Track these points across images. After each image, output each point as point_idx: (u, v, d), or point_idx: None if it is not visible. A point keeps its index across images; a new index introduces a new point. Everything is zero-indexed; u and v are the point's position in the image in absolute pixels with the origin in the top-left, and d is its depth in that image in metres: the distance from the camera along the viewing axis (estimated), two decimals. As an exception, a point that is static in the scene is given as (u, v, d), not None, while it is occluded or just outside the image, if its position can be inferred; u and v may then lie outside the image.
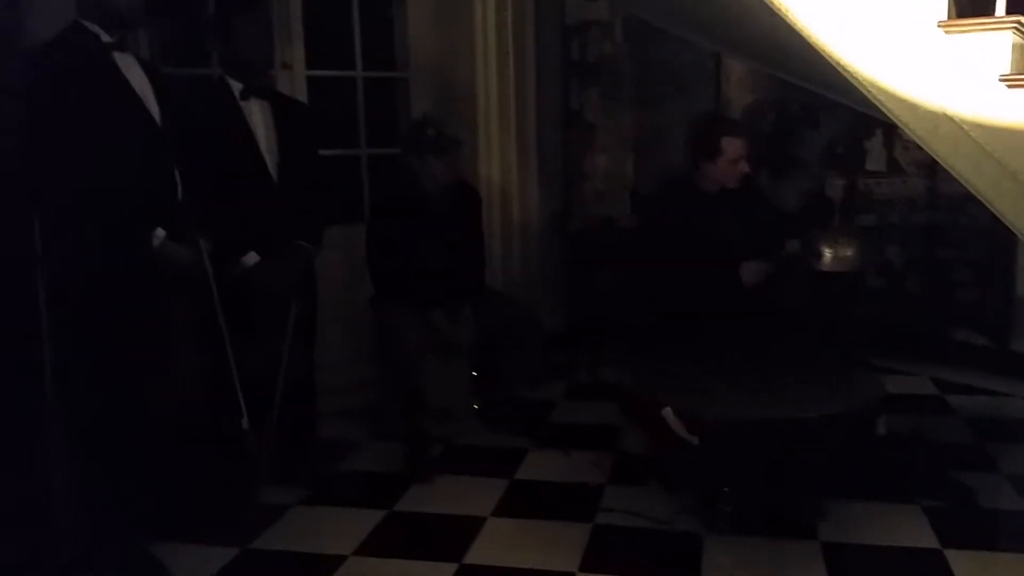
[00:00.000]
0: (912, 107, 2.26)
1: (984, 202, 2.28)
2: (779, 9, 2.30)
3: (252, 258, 2.95)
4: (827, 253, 3.25)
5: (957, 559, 2.62)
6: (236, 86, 2.98)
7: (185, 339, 2.56)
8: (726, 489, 2.80)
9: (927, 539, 2.74)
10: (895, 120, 2.31)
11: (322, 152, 3.36)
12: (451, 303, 3.55)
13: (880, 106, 2.30)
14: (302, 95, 3.98)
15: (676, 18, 3.23)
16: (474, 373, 3.80)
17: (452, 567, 2.66)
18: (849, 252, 3.29)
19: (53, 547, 2.47)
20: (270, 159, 3.02)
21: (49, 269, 2.38)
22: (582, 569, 2.63)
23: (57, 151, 2.37)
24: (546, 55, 4.50)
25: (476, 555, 2.73)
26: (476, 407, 3.84)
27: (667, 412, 2.72)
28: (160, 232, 2.51)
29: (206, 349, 2.63)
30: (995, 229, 3.97)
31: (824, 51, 2.30)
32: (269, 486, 3.13)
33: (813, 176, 4.56)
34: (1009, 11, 2.23)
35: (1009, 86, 2.18)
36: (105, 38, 2.49)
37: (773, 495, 2.95)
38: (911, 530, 2.80)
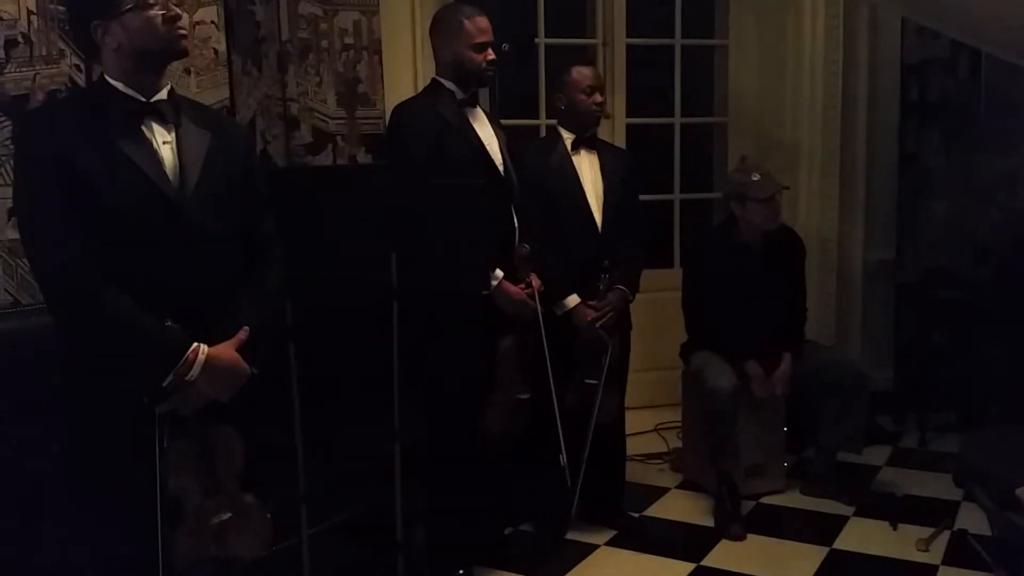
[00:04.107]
0: None
1: None
2: None
3: (574, 299, 3.06)
4: None
5: None
6: (568, 137, 3.15)
7: (514, 373, 2.70)
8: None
9: None
10: None
11: (640, 197, 3.41)
12: (768, 354, 3.42)
13: None
14: (621, 142, 4.09)
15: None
16: (785, 428, 3.61)
17: (766, 634, 2.54)
18: None
19: (392, 557, 2.69)
20: (595, 205, 3.13)
21: (402, 300, 2.62)
22: (915, 658, 2.39)
23: (415, 196, 2.62)
24: (881, 95, 4.25)
25: (792, 625, 2.59)
26: (786, 465, 3.65)
27: (1023, 492, 2.40)
28: (499, 272, 2.68)
29: (532, 384, 2.75)
30: None
31: None
32: (578, 524, 3.19)
33: None
34: None
35: None
36: (459, 95, 2.73)
37: None
38: None
